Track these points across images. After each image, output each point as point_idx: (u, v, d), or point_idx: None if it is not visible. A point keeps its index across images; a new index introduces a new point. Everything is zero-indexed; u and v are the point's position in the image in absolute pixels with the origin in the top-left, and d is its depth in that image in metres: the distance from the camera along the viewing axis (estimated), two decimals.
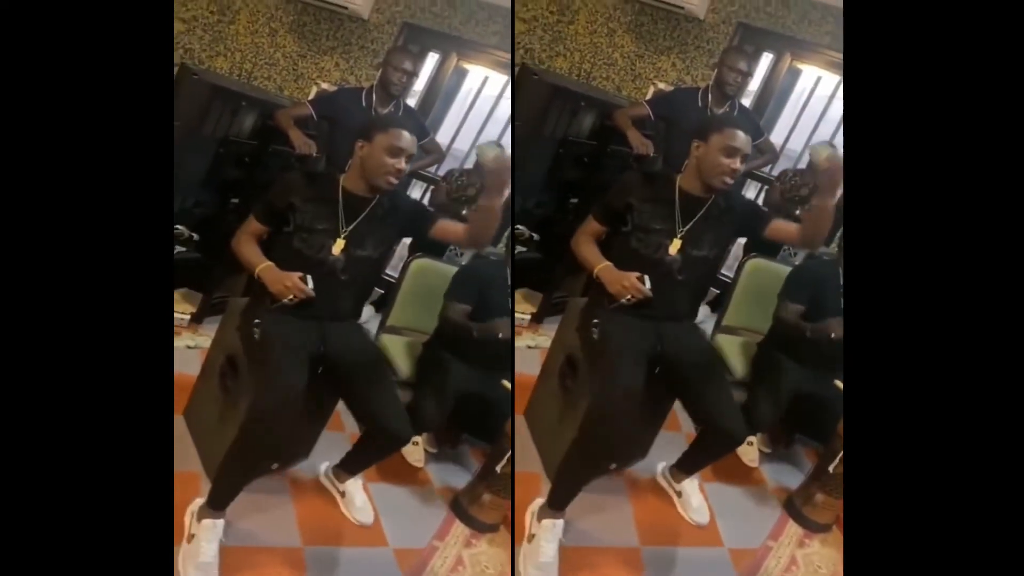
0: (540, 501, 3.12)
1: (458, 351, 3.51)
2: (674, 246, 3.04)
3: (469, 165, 4.93)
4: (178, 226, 4.13)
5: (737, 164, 2.99)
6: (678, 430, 3.68)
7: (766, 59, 5.06)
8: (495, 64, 4.99)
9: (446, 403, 3.45)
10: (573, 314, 3.39)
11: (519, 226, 4.45)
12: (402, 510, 3.35)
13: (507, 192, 2.95)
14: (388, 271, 4.45)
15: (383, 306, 4.00)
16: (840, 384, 3.51)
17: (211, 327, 3.84)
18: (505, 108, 4.94)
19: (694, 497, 3.39)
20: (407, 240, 3.59)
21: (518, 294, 4.59)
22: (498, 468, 3.21)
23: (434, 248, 4.45)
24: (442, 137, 4.93)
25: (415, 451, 3.56)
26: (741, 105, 4.43)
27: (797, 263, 4.11)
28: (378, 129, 2.93)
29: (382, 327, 3.83)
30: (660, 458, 3.47)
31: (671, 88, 5.01)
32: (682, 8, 5.05)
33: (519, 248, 4.50)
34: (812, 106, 5.21)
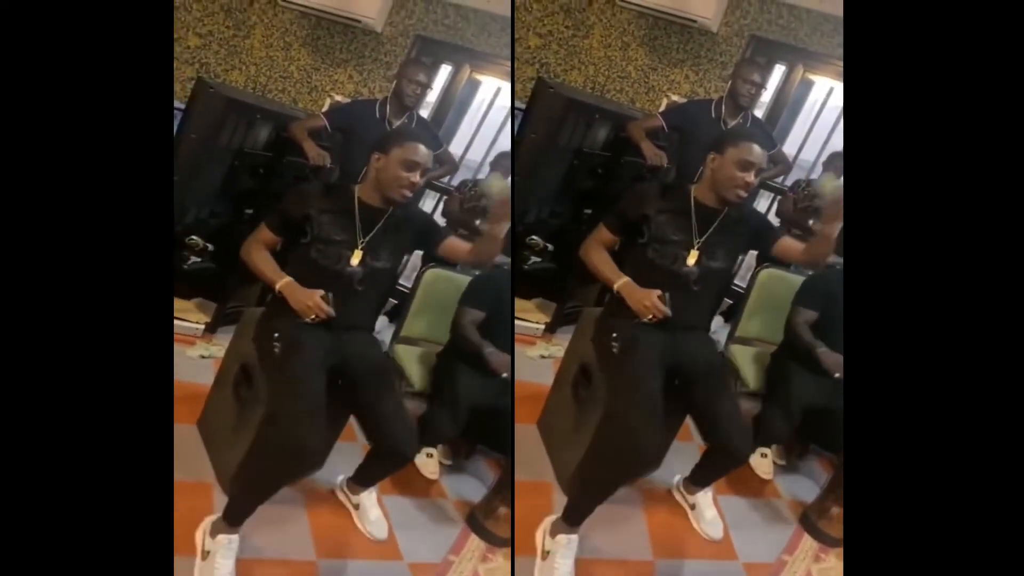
0: (552, 518, 3.10)
1: (472, 361, 3.51)
2: (692, 257, 3.03)
3: (482, 176, 4.94)
4: (193, 236, 4.15)
5: (751, 178, 2.99)
6: (691, 440, 3.66)
7: (778, 71, 5.07)
8: (507, 75, 5.01)
9: (460, 414, 3.44)
10: (587, 324, 3.38)
11: (533, 236, 4.45)
12: (417, 524, 3.33)
13: (508, 220, 3.03)
14: (402, 281, 4.46)
15: (397, 316, 4.00)
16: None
17: (225, 337, 3.84)
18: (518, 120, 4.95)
19: (708, 511, 3.37)
20: (419, 252, 3.59)
21: (531, 304, 4.60)
22: (510, 482, 3.19)
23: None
24: (455, 148, 4.95)
25: (430, 463, 3.55)
26: (754, 116, 4.44)
27: (811, 272, 4.11)
28: (394, 142, 2.93)
29: (396, 337, 3.82)
30: (672, 468, 3.45)
31: (684, 100, 5.02)
32: (695, 22, 5.06)
33: (533, 258, 4.51)
34: (824, 117, 5.21)
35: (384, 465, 3.14)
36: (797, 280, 3.80)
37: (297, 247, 2.95)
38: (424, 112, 4.65)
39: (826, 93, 5.21)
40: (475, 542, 3.22)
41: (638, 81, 5.20)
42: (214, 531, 2.89)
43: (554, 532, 3.04)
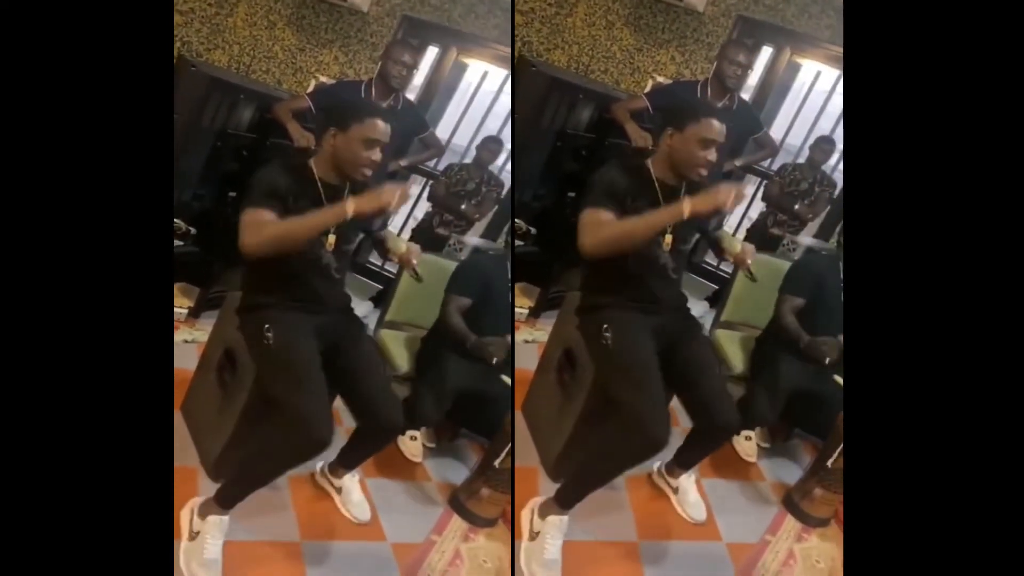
0: (539, 499, 3.11)
1: (457, 346, 3.51)
2: (667, 242, 2.99)
3: (468, 160, 4.93)
4: (176, 220, 4.12)
5: (713, 156, 2.90)
6: (676, 424, 3.67)
7: (766, 53, 5.06)
8: (495, 58, 4.99)
9: (444, 398, 3.46)
10: (571, 308, 3.37)
11: (516, 220, 4.45)
12: (400, 505, 3.35)
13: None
14: (388, 267, 4.46)
15: (382, 301, 4.00)
16: (838, 379, 3.52)
17: (209, 321, 3.83)
18: (505, 103, 4.94)
19: (691, 493, 3.38)
20: (405, 236, 3.57)
21: (516, 288, 4.59)
22: (496, 463, 3.20)
23: (433, 243, 4.46)
24: (441, 131, 4.92)
25: (413, 446, 3.56)
26: (740, 98, 4.42)
27: (797, 258, 4.12)
28: (352, 119, 2.80)
29: (381, 322, 3.82)
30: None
31: (670, 81, 5.00)
32: (681, 1, 5.04)
33: (517, 242, 4.50)
34: (812, 100, 5.21)
35: (372, 442, 3.12)
36: (783, 265, 3.80)
37: None
38: (411, 95, 4.62)
39: (814, 76, 5.20)
40: (457, 522, 3.22)
41: (623, 61, 5.18)
42: (204, 512, 2.88)
43: (544, 513, 3.05)
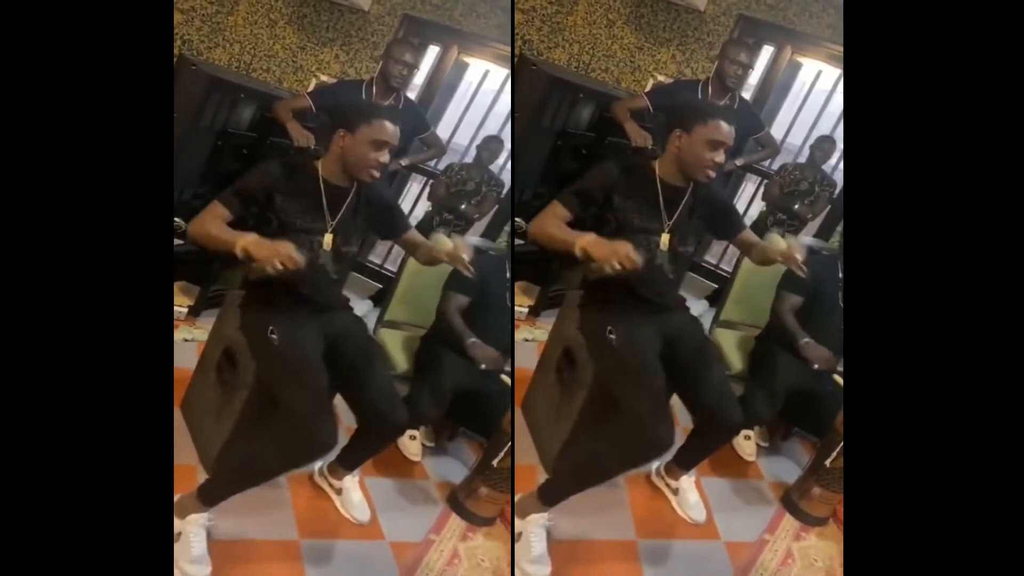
0: (518, 496, 3.13)
1: (455, 345, 3.51)
2: (664, 241, 2.99)
3: (469, 159, 4.93)
4: (176, 219, 4.12)
5: (720, 157, 2.91)
6: (676, 424, 3.68)
7: (766, 52, 5.05)
8: (496, 57, 4.98)
9: (443, 397, 3.45)
10: (570, 307, 3.37)
11: (516, 219, 4.44)
12: (399, 504, 3.35)
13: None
14: (387, 265, 4.46)
15: (381, 300, 4.00)
16: (837, 379, 3.52)
17: (208, 320, 3.83)
18: (505, 102, 4.93)
19: (691, 494, 3.37)
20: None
21: (515, 287, 4.59)
22: (495, 462, 3.20)
23: None
24: (442, 131, 4.91)
25: (412, 445, 3.56)
26: (741, 98, 4.42)
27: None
28: (361, 120, 2.82)
29: (380, 321, 3.83)
30: None
31: (671, 81, 4.99)
32: (682, 0, 5.04)
33: (516, 241, 4.49)
34: (812, 100, 5.19)
35: (374, 440, 3.12)
36: (782, 265, 3.79)
37: (268, 234, 2.79)
38: (411, 94, 4.62)
39: (815, 75, 5.19)
40: (456, 521, 3.23)
41: (624, 60, 5.17)
42: (183, 511, 2.87)
43: (524, 511, 3.05)
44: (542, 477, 3.29)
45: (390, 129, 2.83)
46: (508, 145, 4.60)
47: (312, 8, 5.07)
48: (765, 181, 4.83)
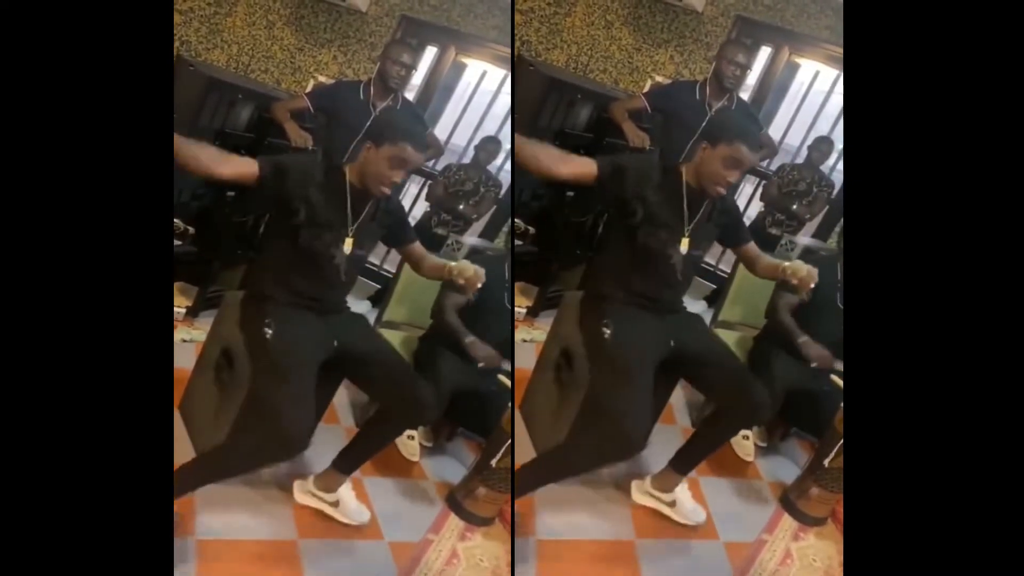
0: None
1: (454, 345, 3.51)
2: (684, 244, 3.05)
3: (467, 160, 4.93)
4: (174, 219, 4.12)
5: (734, 177, 3.01)
6: (673, 423, 3.68)
7: (764, 53, 5.05)
8: (494, 58, 4.98)
9: (442, 397, 3.44)
10: (569, 308, 3.37)
11: (515, 220, 4.44)
12: (397, 504, 3.35)
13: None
14: (385, 266, 4.45)
15: (379, 301, 4.00)
16: (835, 379, 3.52)
17: (207, 321, 3.83)
18: (504, 103, 4.94)
19: (687, 502, 3.36)
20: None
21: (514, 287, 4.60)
22: (493, 462, 3.19)
23: (432, 243, 4.46)
24: (440, 132, 4.92)
25: (411, 445, 3.56)
26: (739, 98, 4.42)
27: (795, 258, 4.11)
28: (387, 138, 2.93)
29: (379, 321, 3.83)
30: (656, 451, 3.44)
31: (669, 81, 5.00)
32: (680, 1, 5.04)
33: (515, 241, 4.49)
34: (810, 100, 5.20)
35: (392, 426, 3.15)
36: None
37: (286, 229, 2.93)
38: (409, 94, 4.62)
39: (812, 76, 5.20)
40: (454, 521, 3.22)
41: (622, 61, 5.17)
42: None
43: None
44: None
45: (410, 152, 2.92)
46: (507, 145, 4.60)
47: (310, 9, 5.07)
48: (763, 182, 4.84)
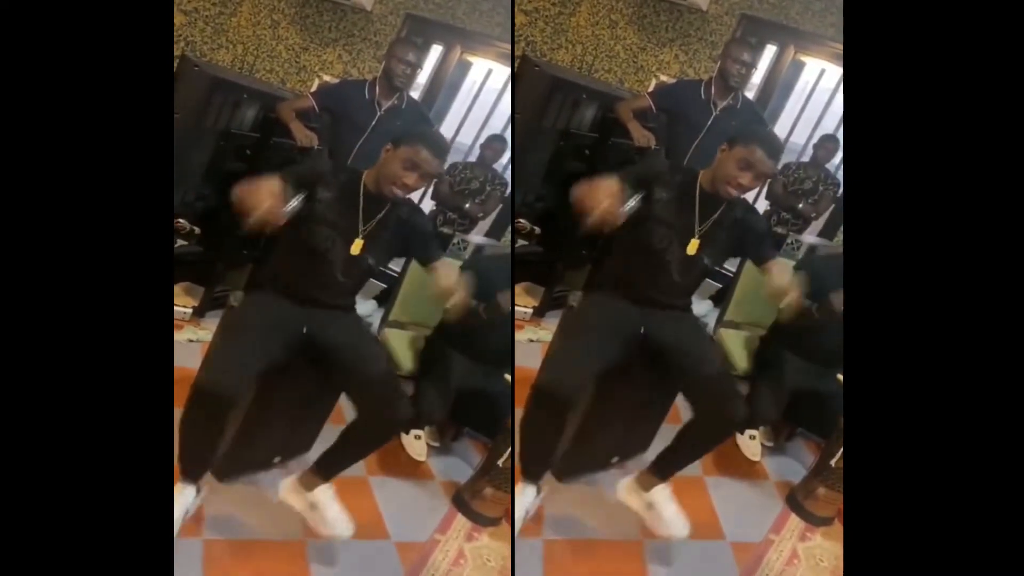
0: None
1: (460, 345, 3.51)
2: (692, 246, 3.02)
3: (472, 159, 4.93)
4: (179, 220, 4.13)
5: (747, 180, 2.96)
6: (679, 423, 3.67)
7: (769, 51, 5.05)
8: (499, 56, 4.99)
9: (448, 396, 3.46)
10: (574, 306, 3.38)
11: (520, 219, 4.45)
12: (404, 504, 3.35)
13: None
14: (391, 265, 4.45)
15: (385, 300, 4.00)
16: (841, 379, 3.52)
17: (213, 321, 3.84)
18: (508, 101, 4.94)
19: (666, 507, 3.16)
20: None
21: (519, 288, 4.59)
22: (500, 462, 3.21)
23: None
24: (445, 130, 4.92)
25: (417, 445, 3.56)
26: (744, 97, 4.42)
27: (801, 257, 4.12)
28: (405, 140, 2.91)
29: (384, 321, 3.83)
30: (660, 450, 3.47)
31: (674, 81, 5.00)
32: (685, 0, 5.04)
33: (520, 241, 4.50)
34: (816, 99, 5.21)
35: (372, 436, 3.03)
36: (787, 264, 3.80)
37: (292, 226, 2.88)
38: (414, 93, 4.62)
39: (817, 74, 5.20)
40: (461, 521, 3.23)
41: (626, 61, 5.18)
42: None
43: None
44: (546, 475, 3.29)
45: (424, 155, 2.88)
46: (511, 150, 4.60)
47: (314, 8, 5.08)
48: (768, 180, 4.83)
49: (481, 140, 4.96)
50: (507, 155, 4.77)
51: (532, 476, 3.07)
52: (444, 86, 5.09)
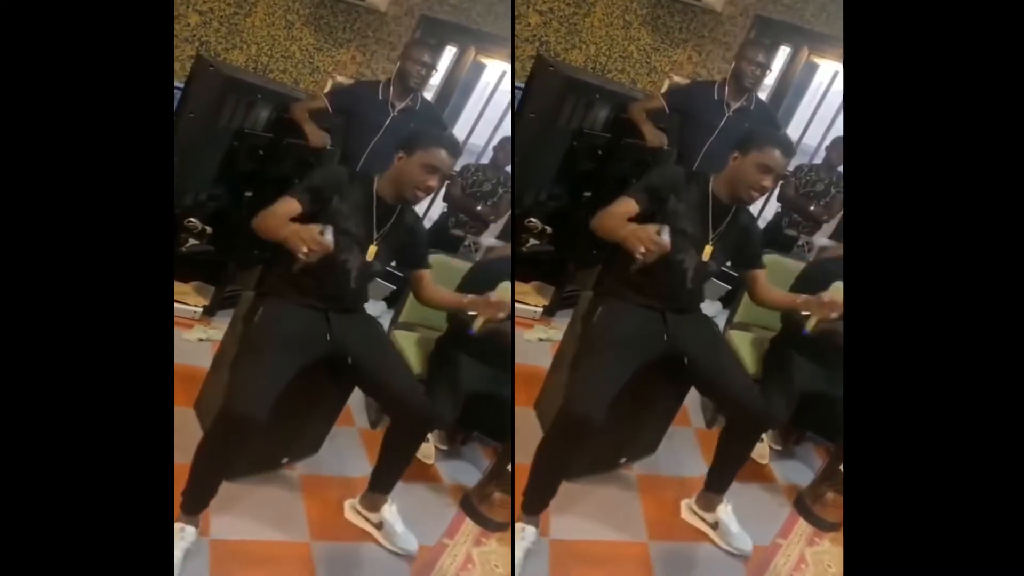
0: None
1: (470, 348, 3.51)
2: (707, 252, 3.07)
3: (485, 161, 4.93)
4: (191, 219, 4.14)
5: (768, 182, 3.03)
6: (688, 424, 3.67)
7: (783, 53, 5.04)
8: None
9: (457, 399, 3.44)
10: (584, 308, 3.38)
11: (531, 219, 4.44)
12: (412, 507, 3.31)
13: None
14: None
15: (395, 302, 4.00)
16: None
17: (223, 320, 3.84)
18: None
19: (733, 525, 3.28)
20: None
21: (530, 287, 4.59)
22: (509, 466, 3.20)
23: (448, 244, 4.46)
24: (458, 132, 4.92)
25: (426, 447, 3.55)
26: (758, 98, 4.41)
27: (811, 259, 4.10)
28: (419, 145, 2.96)
29: (394, 323, 3.83)
30: (668, 451, 3.49)
31: (687, 82, 4.99)
32: (699, 1, 5.03)
33: (532, 241, 4.50)
34: (828, 101, 5.19)
35: (406, 439, 3.12)
36: (797, 266, 3.80)
37: None
38: (428, 94, 4.62)
39: (831, 77, 5.18)
40: (469, 526, 3.21)
41: (640, 61, 5.17)
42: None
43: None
44: None
45: (443, 157, 2.97)
46: (511, 145, 4.59)
47: (329, 9, 5.09)
48: (780, 182, 4.81)
49: (494, 142, 4.96)
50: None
51: (533, 510, 3.08)
52: (457, 87, 5.09)
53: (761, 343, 3.77)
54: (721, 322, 3.95)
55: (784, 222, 4.76)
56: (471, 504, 3.27)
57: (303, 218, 2.83)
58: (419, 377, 3.56)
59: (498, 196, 4.74)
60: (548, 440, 3.04)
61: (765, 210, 4.88)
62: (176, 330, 4.07)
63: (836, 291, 3.04)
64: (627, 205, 2.99)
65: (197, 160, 4.13)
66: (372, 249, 2.99)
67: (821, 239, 4.75)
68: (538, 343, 4.20)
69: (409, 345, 3.68)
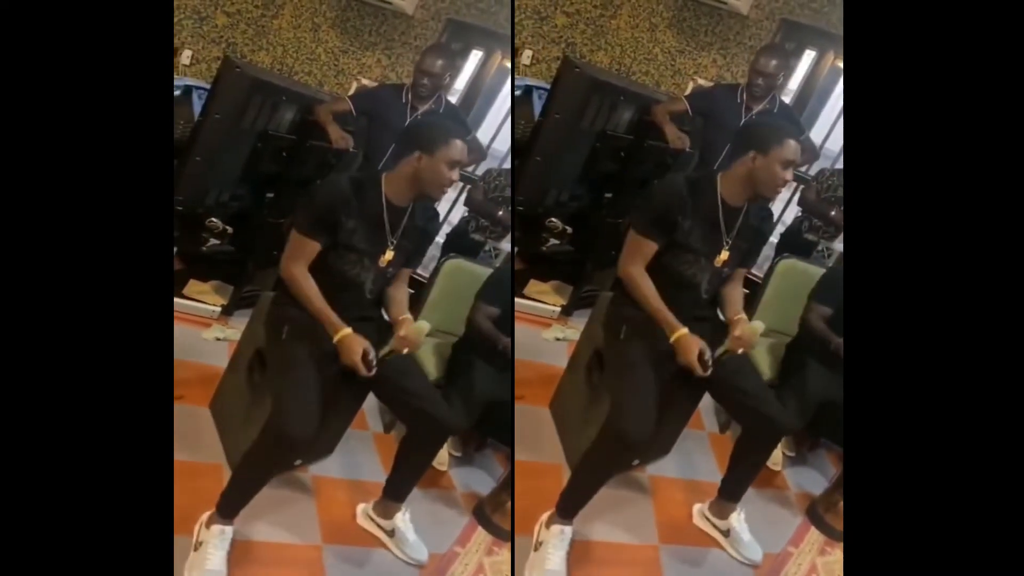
0: (551, 510, 3.09)
1: (487, 354, 3.51)
2: (720, 258, 3.03)
3: (507, 165, 4.93)
4: (212, 218, 4.18)
5: (790, 175, 3.02)
6: (701, 428, 3.66)
7: (808, 57, 5.00)
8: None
9: (473, 406, 3.43)
10: (602, 308, 3.36)
11: (552, 219, 4.45)
12: (424, 514, 3.31)
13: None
14: (420, 271, 4.47)
15: (413, 306, 4.01)
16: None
17: (241, 320, 3.88)
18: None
19: (744, 534, 3.27)
20: (439, 240, 3.58)
21: (548, 286, 4.60)
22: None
23: (469, 249, 4.47)
24: (482, 136, 4.91)
25: (440, 454, 3.53)
26: (781, 101, 4.38)
27: (831, 264, 4.08)
28: (439, 143, 2.91)
29: None
30: (682, 454, 3.47)
31: (711, 84, 4.97)
32: (725, 3, 5.01)
33: (552, 240, 4.51)
34: None
35: (426, 446, 3.11)
36: (816, 271, 3.78)
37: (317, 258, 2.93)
38: (453, 98, 4.62)
39: None
40: (481, 535, 3.21)
41: (664, 64, 5.16)
42: (209, 522, 2.91)
43: (549, 523, 3.05)
44: (568, 477, 3.29)
45: (461, 147, 2.94)
46: (511, 145, 4.58)
47: (355, 12, 5.11)
48: (802, 186, 4.79)
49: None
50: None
51: (568, 514, 3.07)
52: (483, 91, 5.09)
53: (778, 348, 3.75)
54: None
55: (804, 226, 4.72)
56: (484, 513, 3.27)
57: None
58: (436, 382, 3.57)
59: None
60: (595, 451, 3.02)
61: (785, 214, 4.85)
62: (193, 329, 4.12)
63: (756, 327, 3.05)
64: (646, 247, 2.99)
65: (221, 160, 4.17)
66: (388, 255, 2.96)
67: (841, 244, 4.71)
68: (555, 342, 4.20)
69: (426, 351, 3.68)
